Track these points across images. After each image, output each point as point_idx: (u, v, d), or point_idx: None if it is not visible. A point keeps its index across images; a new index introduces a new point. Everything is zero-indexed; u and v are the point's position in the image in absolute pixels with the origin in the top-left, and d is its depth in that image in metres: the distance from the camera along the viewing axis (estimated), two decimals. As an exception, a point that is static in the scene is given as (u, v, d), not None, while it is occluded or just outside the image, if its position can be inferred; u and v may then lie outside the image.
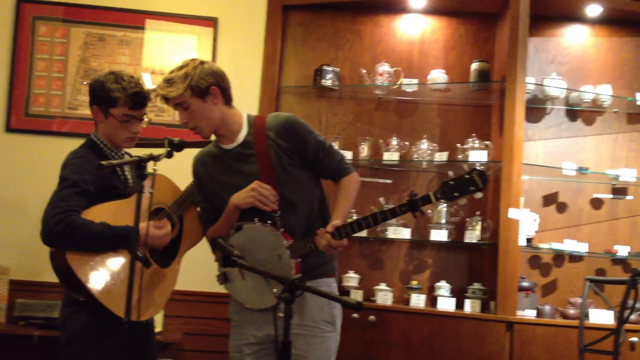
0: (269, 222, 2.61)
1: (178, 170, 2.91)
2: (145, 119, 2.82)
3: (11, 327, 3.85)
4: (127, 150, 2.89)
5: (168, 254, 2.82)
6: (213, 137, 2.78)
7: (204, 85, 2.60)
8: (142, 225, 2.65)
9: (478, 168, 2.52)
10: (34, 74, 4.26)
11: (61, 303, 2.73)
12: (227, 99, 2.71)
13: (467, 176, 2.45)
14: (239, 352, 2.70)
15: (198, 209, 2.87)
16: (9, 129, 4.22)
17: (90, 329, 2.59)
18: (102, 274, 2.56)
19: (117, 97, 2.70)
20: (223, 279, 2.72)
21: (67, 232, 2.50)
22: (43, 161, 4.11)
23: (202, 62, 2.66)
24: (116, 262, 2.62)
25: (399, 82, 4.20)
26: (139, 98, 2.73)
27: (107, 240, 2.57)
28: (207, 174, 2.78)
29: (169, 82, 2.60)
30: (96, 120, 2.79)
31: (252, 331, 2.69)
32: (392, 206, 2.57)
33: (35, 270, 3.83)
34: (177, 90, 2.57)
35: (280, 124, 2.68)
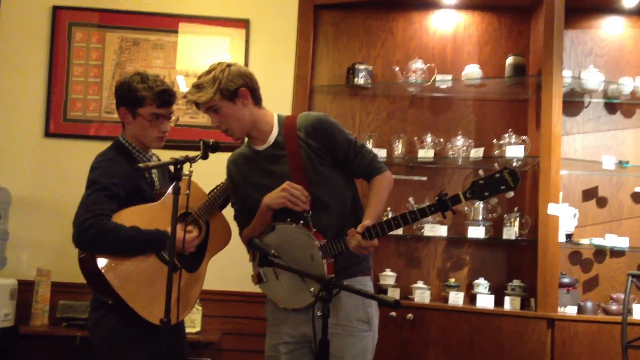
0: (301, 222, 2.61)
1: (209, 173, 2.93)
2: (173, 118, 2.83)
3: (54, 329, 3.92)
4: (154, 152, 2.91)
5: (195, 258, 2.83)
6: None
7: (233, 88, 2.61)
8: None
9: (509, 167, 2.47)
10: (71, 80, 4.33)
11: (89, 306, 2.75)
12: (257, 100, 2.71)
13: (497, 175, 2.41)
14: (275, 352, 2.70)
15: (233, 210, 2.88)
16: (48, 134, 4.30)
17: (121, 332, 2.61)
18: (131, 278, 2.58)
19: (145, 96, 2.71)
20: (258, 279, 2.72)
21: (99, 236, 2.51)
22: (81, 165, 4.08)
23: (229, 65, 2.66)
24: (145, 266, 2.63)
25: (432, 79, 4.17)
26: (166, 96, 2.74)
27: (137, 245, 2.59)
28: (240, 176, 2.79)
29: (198, 87, 2.62)
30: (124, 122, 2.81)
31: (287, 330, 2.68)
32: (423, 205, 2.54)
33: (76, 272, 3.85)
34: (207, 94, 2.59)
35: (310, 124, 2.68)
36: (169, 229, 2.63)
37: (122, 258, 2.58)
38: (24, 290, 3.98)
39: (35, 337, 3.89)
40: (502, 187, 2.41)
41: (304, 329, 2.61)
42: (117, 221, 2.58)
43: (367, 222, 2.53)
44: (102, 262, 2.54)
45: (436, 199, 2.44)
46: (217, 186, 2.92)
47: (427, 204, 2.51)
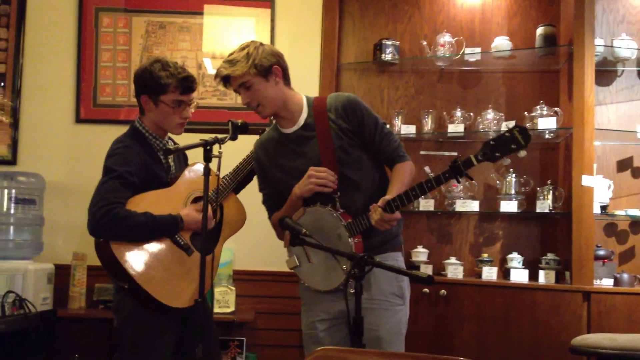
0: (330, 204, 2.64)
1: (235, 155, 2.93)
2: (194, 104, 2.85)
3: (91, 311, 3.99)
4: (171, 136, 2.93)
5: (209, 241, 2.83)
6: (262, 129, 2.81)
7: (267, 64, 2.63)
8: (184, 211, 2.71)
9: (519, 125, 2.42)
10: (99, 65, 4.36)
11: (113, 289, 2.81)
12: (287, 80, 2.73)
13: (507, 134, 2.37)
14: (312, 329, 2.73)
15: (261, 195, 2.90)
16: (79, 120, 4.34)
17: (140, 314, 2.67)
18: (146, 262, 2.62)
19: (168, 83, 2.73)
20: (292, 263, 2.74)
21: (112, 224, 2.55)
22: (113, 150, 4.21)
23: (261, 44, 2.68)
24: (160, 251, 2.67)
25: (461, 52, 4.11)
26: (188, 82, 2.76)
27: (150, 230, 2.63)
28: (269, 160, 2.80)
29: (231, 62, 2.62)
30: (145, 109, 2.81)
31: (323, 308, 2.71)
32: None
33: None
34: (242, 68, 2.60)
35: (340, 105, 2.68)
36: (182, 213, 2.70)
37: (137, 243, 2.62)
38: (61, 275, 4.05)
39: (73, 320, 3.95)
40: (513, 146, 2.37)
41: (339, 305, 2.64)
42: (130, 207, 2.62)
43: (387, 196, 2.55)
44: (116, 247, 2.59)
45: (449, 165, 2.42)
46: (230, 171, 2.94)
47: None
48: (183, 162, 3.00)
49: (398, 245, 2.79)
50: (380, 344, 2.60)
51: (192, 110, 2.86)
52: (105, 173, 2.67)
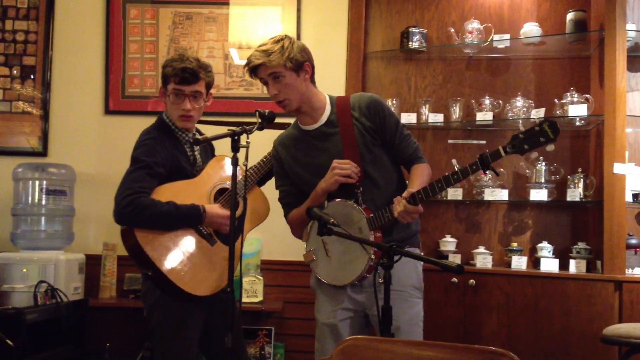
0: (352, 199, 2.67)
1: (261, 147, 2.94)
2: (204, 101, 2.87)
3: (122, 301, 4.04)
4: (198, 127, 2.98)
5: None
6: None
7: (301, 60, 2.66)
8: (209, 206, 2.76)
9: (549, 119, 2.43)
10: (127, 56, 4.39)
11: (141, 277, 2.89)
12: (313, 79, 2.77)
13: (537, 128, 2.39)
14: (332, 318, 2.75)
15: (278, 192, 2.93)
16: (108, 112, 4.38)
17: (167, 300, 2.73)
18: (169, 251, 2.68)
19: (168, 73, 2.81)
20: (309, 257, 2.79)
21: (136, 212, 2.62)
22: (141, 141, 4.24)
23: (294, 39, 2.71)
24: (183, 240, 2.73)
25: (489, 39, 4.06)
26: (185, 73, 2.79)
27: (173, 219, 2.68)
28: (289, 157, 2.83)
29: (266, 52, 2.64)
30: (162, 100, 2.91)
31: (341, 300, 2.75)
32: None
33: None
34: (278, 60, 2.62)
35: (364, 103, 2.73)
36: (205, 204, 2.75)
37: (161, 232, 2.68)
38: (92, 265, 4.10)
39: (104, 310, 4.01)
40: (542, 140, 2.38)
41: (358, 298, 2.72)
42: (155, 197, 2.67)
43: (411, 189, 2.58)
44: (141, 235, 2.65)
45: (477, 157, 2.43)
46: (256, 164, 2.97)
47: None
48: (210, 154, 3.03)
49: (417, 242, 2.84)
50: (399, 335, 2.61)
51: (206, 104, 2.89)
52: (133, 163, 2.74)
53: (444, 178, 2.50)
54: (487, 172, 2.43)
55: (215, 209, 2.76)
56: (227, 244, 2.80)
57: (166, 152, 2.76)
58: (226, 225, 2.76)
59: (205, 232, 2.76)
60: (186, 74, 2.79)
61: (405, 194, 2.55)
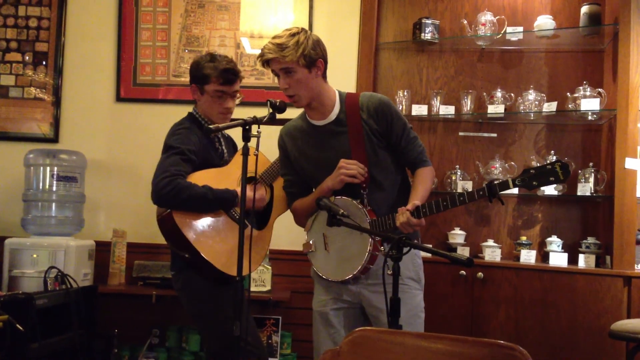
0: (358, 200, 2.69)
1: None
2: (238, 97, 3.05)
3: (131, 287, 4.06)
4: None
5: (261, 218, 3.04)
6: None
7: (315, 57, 2.65)
8: (238, 189, 2.85)
9: (562, 160, 2.51)
10: (139, 44, 4.39)
11: (170, 269, 3.02)
12: (325, 74, 2.76)
13: (549, 167, 2.47)
14: (324, 306, 2.81)
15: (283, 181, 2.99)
16: (119, 99, 4.39)
17: (195, 285, 2.88)
18: (205, 234, 2.82)
19: (209, 74, 2.95)
20: (308, 247, 2.81)
21: (174, 193, 2.74)
22: (152, 128, 4.25)
23: (310, 33, 2.69)
24: (218, 224, 2.87)
25: (502, 31, 4.04)
26: (229, 74, 2.96)
27: (209, 201, 2.81)
28: (296, 148, 2.83)
29: (280, 46, 2.61)
30: (195, 97, 3.03)
31: (336, 291, 2.79)
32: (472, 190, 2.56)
33: (150, 233, 3.98)
34: (292, 56, 2.61)
35: (372, 106, 2.72)
36: (237, 189, 2.87)
37: (197, 216, 2.81)
38: (102, 251, 4.12)
39: (113, 296, 4.03)
40: (551, 179, 2.47)
41: (353, 292, 2.74)
42: (190, 181, 2.80)
43: (416, 201, 2.59)
44: (179, 219, 2.77)
45: (484, 184, 2.50)
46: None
47: (479, 187, 2.57)
48: (232, 148, 3.19)
49: (417, 236, 2.86)
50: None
51: (238, 102, 3.06)
52: (167, 150, 2.87)
53: (450, 198, 2.54)
54: (492, 200, 2.50)
55: (249, 192, 2.81)
56: (258, 228, 3.00)
57: (198, 142, 2.91)
58: (258, 205, 2.92)
59: (237, 216, 2.87)
60: (230, 75, 2.96)
61: (410, 206, 2.56)
